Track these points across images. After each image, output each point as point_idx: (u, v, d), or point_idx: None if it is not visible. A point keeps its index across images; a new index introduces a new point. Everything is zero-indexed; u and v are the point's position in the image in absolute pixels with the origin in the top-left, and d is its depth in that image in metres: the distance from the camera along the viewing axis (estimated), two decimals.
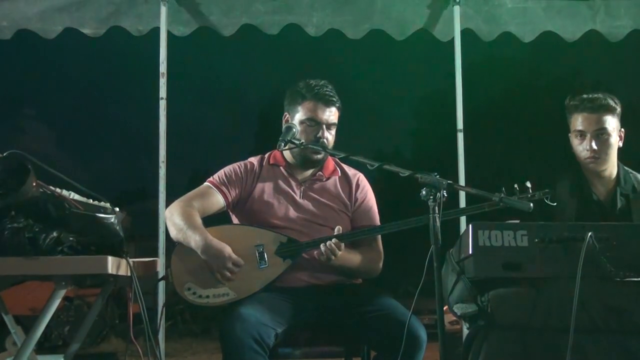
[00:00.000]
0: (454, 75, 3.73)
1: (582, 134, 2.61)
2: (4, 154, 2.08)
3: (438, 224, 1.94)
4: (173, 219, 2.43)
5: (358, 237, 2.49)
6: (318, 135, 2.50)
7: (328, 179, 2.62)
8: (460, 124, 3.68)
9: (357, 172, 2.69)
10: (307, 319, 2.38)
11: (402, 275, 10.83)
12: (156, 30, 3.60)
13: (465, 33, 3.74)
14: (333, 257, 2.34)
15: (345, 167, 2.68)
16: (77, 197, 2.16)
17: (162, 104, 3.52)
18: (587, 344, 1.94)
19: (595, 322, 1.96)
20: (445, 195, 1.97)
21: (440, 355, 1.93)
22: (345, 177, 2.65)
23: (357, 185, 2.64)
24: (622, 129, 2.66)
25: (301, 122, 2.51)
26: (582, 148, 2.61)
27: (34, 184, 2.05)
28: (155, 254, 3.26)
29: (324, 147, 2.46)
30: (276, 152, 2.63)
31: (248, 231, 2.47)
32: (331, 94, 2.53)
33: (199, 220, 2.42)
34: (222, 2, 3.68)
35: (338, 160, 2.66)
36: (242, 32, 3.70)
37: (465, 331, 2.42)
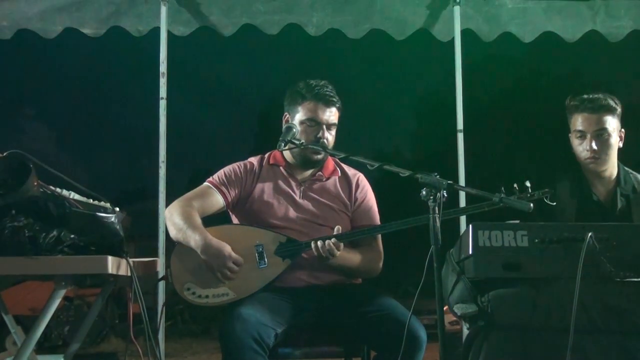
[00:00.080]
0: (454, 75, 3.72)
1: (582, 134, 2.61)
2: (4, 154, 2.08)
3: (438, 224, 1.94)
4: (173, 218, 2.43)
5: (358, 237, 2.49)
6: (318, 136, 2.50)
7: (328, 179, 2.62)
8: (460, 124, 3.68)
9: (357, 172, 2.69)
10: (307, 319, 2.38)
11: (402, 275, 10.84)
12: (156, 30, 3.60)
13: (465, 33, 3.74)
14: (332, 257, 2.34)
15: (345, 167, 2.68)
16: (77, 196, 2.16)
17: (162, 104, 3.52)
18: (587, 344, 1.94)
19: (595, 322, 1.96)
20: (446, 195, 1.97)
21: (440, 356, 1.93)
22: (345, 177, 2.65)
23: (357, 185, 2.64)
24: (623, 129, 2.66)
25: (301, 122, 2.51)
26: (582, 148, 2.61)
27: (35, 184, 2.06)
28: (155, 254, 3.27)
29: (324, 148, 2.46)
30: (276, 152, 2.63)
31: (248, 231, 2.47)
32: (331, 94, 2.53)
33: (198, 220, 2.42)
34: (222, 2, 3.67)
35: (338, 161, 2.66)
36: (242, 32, 3.70)
37: (465, 331, 2.42)
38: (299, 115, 2.53)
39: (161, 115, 3.51)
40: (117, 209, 2.21)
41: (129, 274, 2.15)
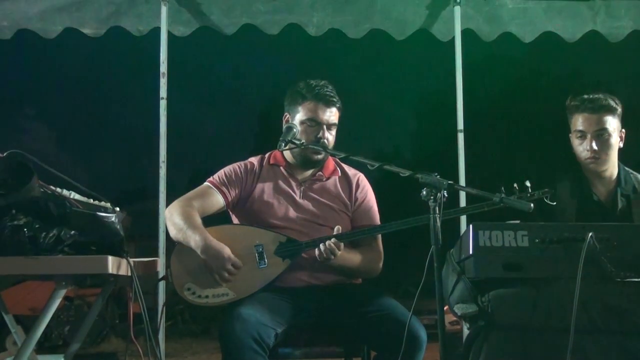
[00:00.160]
0: (454, 75, 3.73)
1: (582, 135, 2.61)
2: (4, 154, 2.08)
3: (438, 224, 1.95)
4: (173, 218, 2.43)
5: (358, 237, 2.49)
6: (318, 136, 2.50)
7: (328, 179, 2.62)
8: (460, 124, 3.68)
9: (357, 172, 2.69)
10: (307, 319, 2.38)
11: (402, 275, 10.83)
12: (156, 30, 3.60)
13: (465, 33, 3.74)
14: (332, 257, 2.34)
15: (346, 167, 2.68)
16: (77, 196, 2.16)
17: (162, 104, 3.52)
18: (587, 344, 1.94)
19: (596, 322, 1.96)
20: (446, 195, 1.97)
21: (441, 356, 1.93)
22: (345, 177, 2.65)
23: (357, 185, 2.64)
24: (623, 130, 2.66)
25: (301, 122, 2.51)
26: (583, 148, 2.61)
27: (37, 184, 2.06)
28: (155, 254, 3.27)
29: (325, 148, 2.46)
30: (276, 152, 2.63)
31: (248, 231, 2.47)
32: (331, 94, 2.53)
33: (198, 220, 2.42)
34: (223, 2, 3.68)
35: (338, 161, 2.66)
36: (242, 32, 3.70)
37: (466, 331, 2.42)
38: (299, 115, 2.53)
39: (161, 115, 3.51)
40: (118, 208, 2.22)
41: (129, 273, 2.15)
